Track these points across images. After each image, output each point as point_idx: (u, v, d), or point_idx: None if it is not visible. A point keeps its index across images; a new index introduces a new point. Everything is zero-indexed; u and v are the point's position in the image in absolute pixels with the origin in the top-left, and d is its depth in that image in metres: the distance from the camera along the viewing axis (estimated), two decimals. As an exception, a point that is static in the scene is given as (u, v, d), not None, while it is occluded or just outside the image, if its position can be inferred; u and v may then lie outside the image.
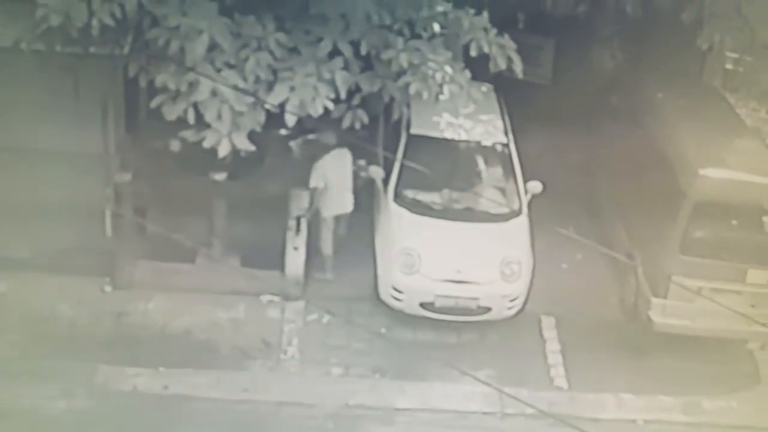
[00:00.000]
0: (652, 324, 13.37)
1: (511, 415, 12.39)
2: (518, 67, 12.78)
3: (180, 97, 11.55)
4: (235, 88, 11.57)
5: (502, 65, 12.73)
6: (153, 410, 11.84)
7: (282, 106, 11.81)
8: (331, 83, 12.07)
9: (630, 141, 15.05)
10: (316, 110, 11.88)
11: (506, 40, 12.79)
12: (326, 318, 13.24)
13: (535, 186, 14.31)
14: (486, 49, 12.64)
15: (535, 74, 17.28)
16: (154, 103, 11.88)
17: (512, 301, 13.50)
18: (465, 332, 13.58)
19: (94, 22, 11.28)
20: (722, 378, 13.35)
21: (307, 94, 11.80)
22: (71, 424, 11.57)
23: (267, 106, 11.85)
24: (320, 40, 12.40)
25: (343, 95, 12.32)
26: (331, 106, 12.06)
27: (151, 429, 11.70)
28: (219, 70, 11.64)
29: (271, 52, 12.03)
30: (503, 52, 12.68)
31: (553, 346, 13.61)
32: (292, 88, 11.84)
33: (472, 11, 12.80)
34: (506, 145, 14.71)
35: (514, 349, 13.48)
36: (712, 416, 12.87)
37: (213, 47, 11.57)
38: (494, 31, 12.73)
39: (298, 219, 13.65)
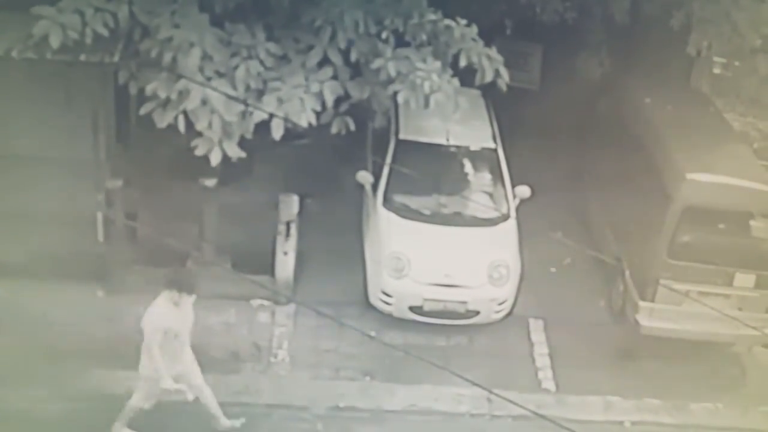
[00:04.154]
0: (639, 327, 13.48)
1: (499, 417, 12.51)
2: (504, 80, 12.92)
3: (170, 104, 11.63)
4: (226, 96, 11.66)
5: (489, 77, 12.85)
6: (146, 413, 11.78)
7: (271, 114, 11.89)
8: (319, 96, 12.17)
9: (618, 146, 15.14)
10: (302, 123, 11.97)
11: (494, 52, 12.91)
12: (316, 321, 13.32)
13: (524, 190, 14.41)
14: (475, 60, 12.76)
15: (523, 80, 17.35)
16: (143, 111, 11.96)
17: (500, 304, 13.60)
18: (454, 335, 13.69)
19: (88, 31, 11.42)
20: (709, 380, 13.48)
21: (294, 107, 11.89)
22: (65, 427, 11.64)
23: (256, 117, 11.93)
24: (310, 48, 12.49)
25: (330, 106, 12.43)
26: (314, 121, 12.14)
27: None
28: (209, 79, 11.72)
29: (261, 61, 12.12)
30: (492, 65, 12.80)
31: (541, 349, 13.72)
32: (280, 100, 11.91)
33: (463, 22, 12.89)
34: (494, 150, 14.83)
35: (503, 352, 13.58)
36: (699, 418, 12.99)
37: (203, 57, 11.67)
38: (482, 42, 12.84)
39: (287, 224, 13.74)
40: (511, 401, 10.06)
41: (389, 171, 14.22)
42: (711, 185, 13.26)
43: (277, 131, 11.87)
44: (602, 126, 16.16)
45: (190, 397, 11.14)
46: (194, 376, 11.24)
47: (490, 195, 14.55)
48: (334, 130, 12.70)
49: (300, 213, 13.98)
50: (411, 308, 13.44)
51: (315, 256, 14.53)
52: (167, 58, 11.48)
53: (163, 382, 10.75)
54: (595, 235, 15.23)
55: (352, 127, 12.82)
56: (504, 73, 12.88)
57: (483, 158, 14.84)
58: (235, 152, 12.05)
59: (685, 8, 15.21)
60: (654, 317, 13.40)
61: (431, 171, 14.05)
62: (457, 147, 14.73)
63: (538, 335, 13.96)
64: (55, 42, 11.20)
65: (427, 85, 12.22)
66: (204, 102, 11.52)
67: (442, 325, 13.57)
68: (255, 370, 12.84)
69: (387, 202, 14.14)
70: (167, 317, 10.63)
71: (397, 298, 13.44)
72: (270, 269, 13.78)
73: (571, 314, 14.24)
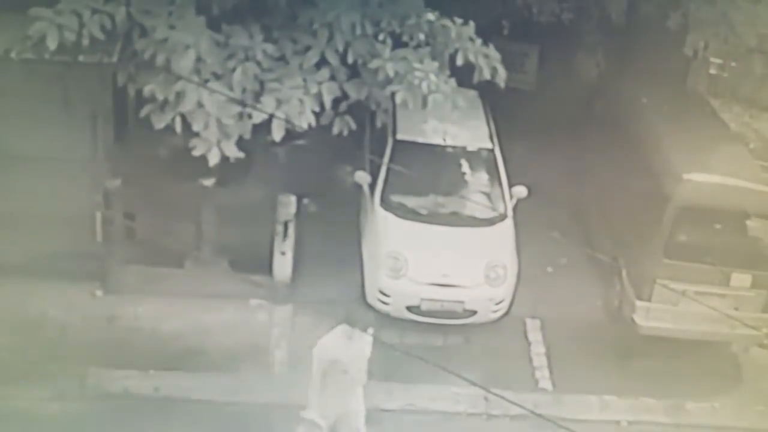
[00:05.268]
0: (636, 327, 13.49)
1: (496, 417, 12.52)
2: (502, 78, 12.90)
3: (168, 106, 11.62)
4: (225, 97, 11.64)
5: (487, 75, 12.80)
6: (143, 412, 11.92)
7: (270, 115, 11.89)
8: (318, 96, 12.16)
9: (614, 146, 15.14)
10: (302, 124, 11.96)
11: (491, 50, 12.90)
12: (314, 321, 13.24)
13: (520, 190, 14.45)
14: (472, 59, 12.77)
15: (520, 81, 17.38)
16: (143, 113, 11.97)
17: (497, 304, 13.62)
18: (451, 335, 13.70)
19: (85, 33, 11.44)
20: (705, 380, 13.48)
21: (293, 108, 11.87)
22: (63, 425, 11.66)
23: (253, 119, 11.93)
24: (307, 49, 12.47)
25: (328, 107, 12.42)
26: (314, 122, 12.14)
27: (142, 430, 11.78)
28: (206, 81, 11.70)
29: (258, 63, 12.09)
30: (488, 63, 12.79)
31: (538, 349, 13.73)
32: (279, 101, 11.90)
33: (459, 21, 12.90)
34: (491, 150, 14.87)
35: (500, 351, 13.59)
36: (695, 418, 13.01)
37: (199, 59, 11.65)
38: (479, 41, 12.84)
39: (285, 224, 13.76)
40: (508, 400, 10.11)
41: (387, 171, 14.26)
42: (707, 185, 13.26)
43: (278, 133, 11.87)
44: (599, 126, 16.17)
45: None
46: (355, 420, 11.00)
47: (488, 195, 14.58)
48: (335, 130, 12.69)
49: (297, 213, 13.99)
50: (408, 308, 13.46)
51: (313, 256, 14.51)
52: (161, 59, 11.48)
53: (307, 411, 10.65)
54: (591, 235, 15.25)
55: (353, 126, 12.83)
56: (501, 70, 12.85)
57: (480, 158, 14.86)
58: (234, 152, 12.05)
59: (681, 9, 15.22)
60: (651, 317, 13.41)
61: (428, 171, 14.11)
62: (455, 147, 14.76)
63: (534, 335, 13.97)
64: (52, 43, 11.23)
65: (425, 86, 12.18)
66: (200, 104, 11.52)
67: (439, 324, 13.58)
68: (253, 370, 12.81)
69: (384, 202, 14.17)
70: (336, 349, 10.53)
71: (395, 297, 13.45)
72: (268, 269, 13.80)
73: (567, 314, 14.26)
